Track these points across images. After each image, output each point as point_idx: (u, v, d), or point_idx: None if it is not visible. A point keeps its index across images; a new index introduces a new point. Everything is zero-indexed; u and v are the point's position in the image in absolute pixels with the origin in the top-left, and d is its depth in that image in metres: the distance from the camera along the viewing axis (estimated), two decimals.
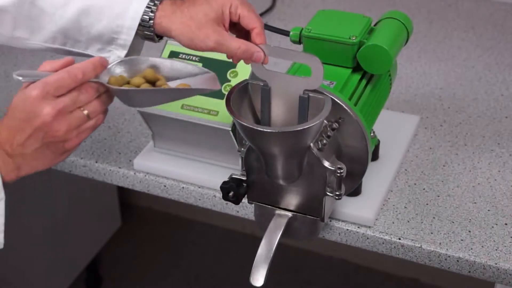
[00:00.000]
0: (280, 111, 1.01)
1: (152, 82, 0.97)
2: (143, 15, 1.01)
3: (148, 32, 1.02)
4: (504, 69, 1.52)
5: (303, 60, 0.95)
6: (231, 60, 1.18)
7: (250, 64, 1.01)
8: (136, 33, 1.03)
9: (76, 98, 0.91)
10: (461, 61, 1.55)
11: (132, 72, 0.98)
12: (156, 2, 1.01)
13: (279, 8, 1.77)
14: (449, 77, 1.50)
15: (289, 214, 1.07)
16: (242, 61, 1.17)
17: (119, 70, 0.96)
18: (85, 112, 0.92)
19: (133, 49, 1.06)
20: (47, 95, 0.89)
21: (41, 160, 0.94)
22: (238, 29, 1.03)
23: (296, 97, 0.98)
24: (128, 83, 0.97)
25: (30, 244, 1.99)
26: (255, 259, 1.03)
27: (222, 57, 1.19)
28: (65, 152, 0.94)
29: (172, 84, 0.98)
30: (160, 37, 1.05)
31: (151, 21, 1.01)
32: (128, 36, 1.03)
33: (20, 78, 0.90)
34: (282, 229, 1.06)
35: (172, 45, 1.22)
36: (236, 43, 0.98)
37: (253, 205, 1.10)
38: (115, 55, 1.04)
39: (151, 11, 1.01)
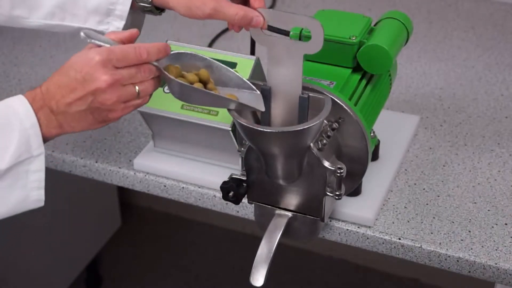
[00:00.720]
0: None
1: (204, 82, 0.98)
2: None
3: (146, 4, 1.02)
4: (504, 69, 1.52)
5: (303, 24, 0.94)
6: (231, 60, 1.18)
7: (249, 31, 0.99)
8: (135, 6, 1.03)
9: (134, 75, 0.92)
10: (461, 61, 1.55)
11: (187, 66, 0.97)
12: None
13: (279, 8, 1.77)
14: (449, 77, 1.50)
15: (289, 214, 1.07)
16: (242, 62, 1.18)
17: (176, 61, 0.96)
18: (137, 89, 0.93)
19: (134, 24, 1.06)
20: (108, 63, 0.90)
21: (81, 122, 0.94)
22: None
23: (296, 97, 0.98)
24: (182, 76, 0.97)
25: (30, 244, 1.99)
26: (255, 259, 1.03)
27: (222, 57, 1.19)
28: (106, 121, 0.95)
29: (220, 89, 0.98)
30: (160, 9, 1.04)
31: None
32: (124, 6, 1.03)
33: (88, 39, 0.90)
34: (282, 229, 1.06)
35: (172, 45, 1.22)
36: (234, 9, 0.97)
37: (253, 205, 1.10)
38: (114, 26, 1.05)
39: None
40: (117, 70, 0.91)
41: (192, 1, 0.98)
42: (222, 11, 0.97)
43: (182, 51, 0.96)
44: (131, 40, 0.94)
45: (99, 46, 0.91)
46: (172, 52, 0.96)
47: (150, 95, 0.96)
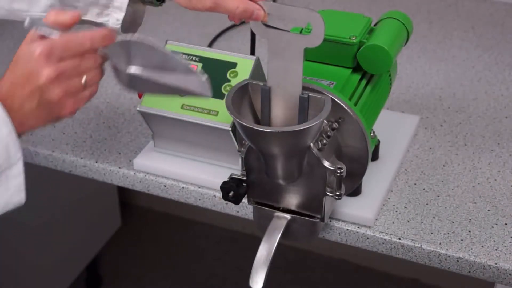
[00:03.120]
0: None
1: None
2: None
3: None
4: (504, 69, 1.52)
5: (304, 16, 0.93)
6: (231, 60, 1.19)
7: (250, 24, 0.98)
8: (139, 3, 1.03)
9: (78, 65, 0.89)
10: (461, 61, 1.55)
11: None
12: None
13: None
14: (449, 77, 1.50)
15: (288, 216, 1.07)
16: (242, 62, 1.18)
17: (124, 49, 0.93)
18: (83, 80, 0.90)
19: (135, 16, 1.05)
20: (51, 56, 0.87)
21: (36, 120, 0.91)
22: None
23: (296, 97, 0.98)
24: None
25: (30, 244, 1.99)
26: (254, 262, 1.03)
27: (222, 57, 1.19)
28: (59, 117, 0.93)
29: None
30: (160, 0, 1.03)
31: None
32: None
33: (31, 27, 0.87)
34: (281, 232, 1.06)
35: (172, 45, 1.22)
36: (234, 3, 0.96)
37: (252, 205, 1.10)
38: (114, 18, 1.04)
39: None
40: (60, 63, 0.88)
41: None
42: (223, 5, 0.96)
43: (129, 39, 0.92)
44: (73, 22, 0.90)
45: (43, 36, 0.88)
46: (119, 40, 0.92)
47: (97, 83, 0.93)
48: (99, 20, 1.04)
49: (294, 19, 0.98)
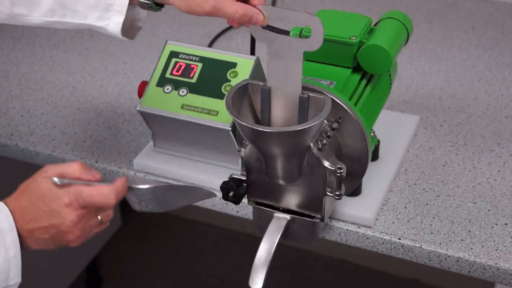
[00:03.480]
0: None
1: None
2: None
3: (147, 0, 1.02)
4: (504, 69, 1.52)
5: (303, 20, 0.93)
6: (231, 60, 1.18)
7: (249, 28, 0.99)
8: (134, 1, 1.03)
9: (98, 210, 0.95)
10: (461, 61, 1.55)
11: None
12: None
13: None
14: (449, 77, 1.50)
15: (288, 217, 1.07)
16: (242, 62, 1.18)
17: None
18: (99, 218, 0.96)
19: (135, 19, 1.06)
20: (78, 205, 0.92)
21: (40, 245, 0.97)
22: None
23: (296, 97, 0.98)
24: None
25: None
26: (254, 262, 1.03)
27: (222, 57, 1.19)
28: (66, 245, 0.97)
29: None
30: (159, 5, 1.04)
31: None
32: (123, 1, 1.03)
33: (58, 182, 0.92)
34: (280, 232, 1.06)
35: (172, 45, 1.22)
36: (233, 7, 0.96)
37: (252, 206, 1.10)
38: (114, 22, 1.05)
39: None
40: (83, 209, 0.93)
41: None
42: (222, 9, 0.97)
43: (154, 186, 0.97)
44: (95, 181, 0.96)
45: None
46: (144, 188, 0.97)
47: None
48: (99, 23, 1.05)
49: (294, 23, 0.98)
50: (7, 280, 0.92)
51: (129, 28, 1.07)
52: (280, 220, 1.07)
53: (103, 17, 1.05)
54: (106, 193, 0.93)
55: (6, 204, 0.92)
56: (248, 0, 1.00)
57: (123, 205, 2.42)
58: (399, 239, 1.11)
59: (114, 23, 1.05)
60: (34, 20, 1.06)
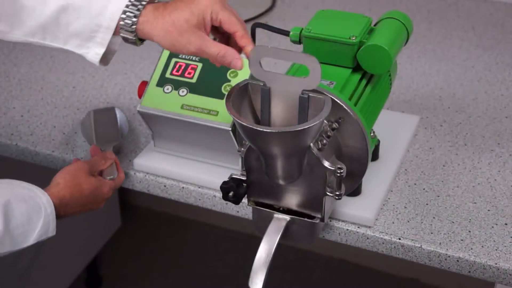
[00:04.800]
0: (280, 111, 1.01)
1: None
2: (125, 20, 1.02)
3: (131, 36, 1.04)
4: (504, 69, 1.52)
5: (301, 60, 0.95)
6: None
7: (248, 66, 1.01)
8: (117, 33, 1.04)
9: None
10: (461, 61, 1.55)
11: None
12: (139, 7, 1.02)
13: (279, 8, 1.77)
14: (449, 77, 1.50)
15: (287, 217, 1.07)
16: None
17: None
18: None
19: (112, 45, 1.07)
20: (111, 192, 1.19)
21: (67, 212, 1.16)
22: (222, 32, 1.05)
23: (296, 97, 0.98)
24: None
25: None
26: (253, 263, 1.03)
27: None
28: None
29: None
30: (142, 40, 1.06)
31: (134, 26, 1.02)
32: (106, 35, 1.04)
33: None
34: (280, 233, 1.06)
35: None
36: (216, 48, 1.01)
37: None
38: (93, 51, 1.06)
39: (134, 16, 1.02)
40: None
41: (177, 39, 1.01)
42: (206, 51, 1.01)
43: None
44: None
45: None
46: None
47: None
48: (79, 51, 1.07)
49: (290, 62, 0.99)
50: (47, 233, 1.09)
51: (105, 54, 1.07)
52: (279, 221, 1.07)
53: (83, 45, 1.06)
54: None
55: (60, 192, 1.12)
56: (233, 40, 1.03)
57: (123, 205, 2.42)
58: (399, 239, 1.11)
59: (93, 52, 1.06)
60: (14, 37, 1.08)
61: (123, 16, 1.02)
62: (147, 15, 1.02)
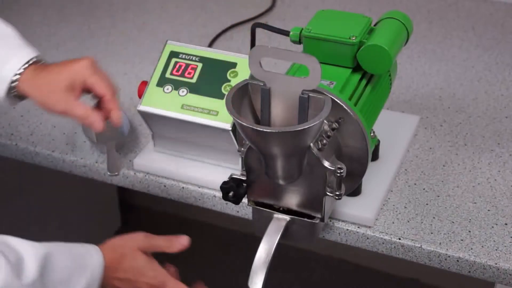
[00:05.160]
0: (280, 111, 1.01)
1: None
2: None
3: (11, 91, 1.13)
4: (504, 69, 1.52)
5: (301, 60, 0.95)
6: (231, 60, 1.19)
7: (248, 64, 1.01)
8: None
9: None
10: (461, 61, 1.55)
11: None
12: (25, 65, 1.12)
13: (279, 8, 1.77)
14: (449, 77, 1.50)
15: (287, 217, 1.07)
16: (242, 62, 1.18)
17: None
18: None
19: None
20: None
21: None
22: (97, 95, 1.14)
23: (296, 97, 0.98)
24: None
25: None
26: (253, 263, 1.03)
27: (222, 57, 1.19)
28: None
29: None
30: (22, 98, 1.16)
31: (14, 84, 1.12)
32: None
33: None
34: (280, 233, 1.06)
35: (172, 45, 1.22)
36: (80, 111, 1.10)
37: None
38: None
39: (18, 74, 1.12)
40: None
41: (47, 98, 1.11)
42: (71, 112, 1.10)
43: None
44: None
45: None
46: None
47: None
48: None
49: (291, 62, 0.99)
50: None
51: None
52: (279, 221, 1.07)
53: None
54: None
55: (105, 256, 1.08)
56: (103, 103, 1.12)
57: (123, 205, 2.42)
58: (399, 239, 1.11)
59: None
60: None
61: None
62: (28, 73, 1.12)
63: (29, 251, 0.98)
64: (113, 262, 1.09)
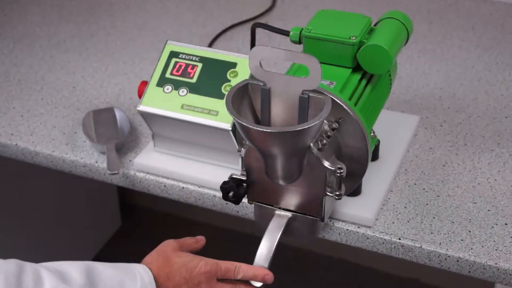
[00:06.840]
0: (280, 111, 1.01)
1: None
2: None
3: None
4: (504, 69, 1.52)
5: (301, 60, 0.95)
6: (231, 60, 1.19)
7: (248, 64, 1.01)
8: None
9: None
10: (461, 61, 1.55)
11: None
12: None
13: (279, 8, 1.77)
14: (449, 77, 1.50)
15: (289, 214, 1.07)
16: (242, 62, 1.18)
17: None
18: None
19: None
20: (212, 275, 1.09)
21: None
22: None
23: (296, 97, 0.98)
24: None
25: (31, 244, 1.99)
26: (255, 259, 1.03)
27: (222, 57, 1.19)
28: None
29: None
30: None
31: None
32: None
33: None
34: (282, 229, 1.06)
35: (172, 45, 1.22)
36: None
37: (253, 205, 1.10)
38: None
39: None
40: (217, 284, 1.07)
41: None
42: None
43: None
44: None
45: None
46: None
47: None
48: None
49: (291, 62, 0.99)
50: None
51: None
52: (281, 217, 1.07)
53: None
54: (238, 268, 1.07)
55: (151, 269, 1.05)
56: None
57: (123, 205, 2.42)
58: (399, 239, 1.11)
59: None
60: None
61: None
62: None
63: (68, 266, 0.98)
64: (162, 268, 1.06)
